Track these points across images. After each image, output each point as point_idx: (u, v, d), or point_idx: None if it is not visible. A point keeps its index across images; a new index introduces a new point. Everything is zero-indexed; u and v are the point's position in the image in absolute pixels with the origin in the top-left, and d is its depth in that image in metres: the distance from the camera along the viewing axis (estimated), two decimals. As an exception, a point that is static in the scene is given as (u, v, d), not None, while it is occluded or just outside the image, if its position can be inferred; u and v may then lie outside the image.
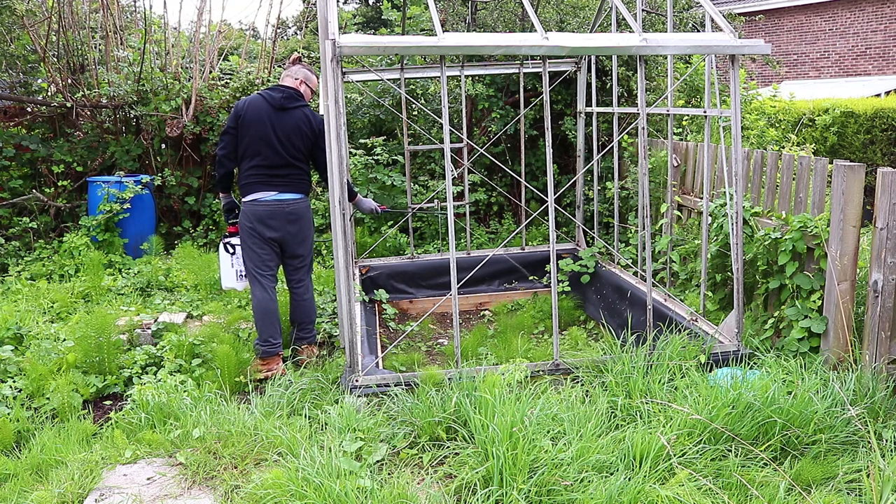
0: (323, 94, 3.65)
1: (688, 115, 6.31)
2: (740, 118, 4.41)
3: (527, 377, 3.56)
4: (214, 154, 4.65)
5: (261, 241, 4.23)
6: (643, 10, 5.37)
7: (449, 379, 3.53)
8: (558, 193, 5.89)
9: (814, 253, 3.80)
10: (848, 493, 2.81)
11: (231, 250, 4.54)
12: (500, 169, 6.94)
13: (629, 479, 2.76)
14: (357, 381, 3.62)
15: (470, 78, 6.74)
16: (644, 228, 4.33)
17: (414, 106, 6.92)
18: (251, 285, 4.31)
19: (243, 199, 4.26)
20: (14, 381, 3.88)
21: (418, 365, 4.58)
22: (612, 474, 2.80)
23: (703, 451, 2.95)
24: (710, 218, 4.44)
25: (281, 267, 4.44)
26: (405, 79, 6.05)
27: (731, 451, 2.99)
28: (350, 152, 6.47)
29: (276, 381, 3.73)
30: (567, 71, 6.32)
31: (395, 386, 3.56)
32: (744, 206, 4.24)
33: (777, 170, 4.27)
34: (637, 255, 5.49)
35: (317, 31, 4.14)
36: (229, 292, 5.31)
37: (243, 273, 4.53)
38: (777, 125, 7.13)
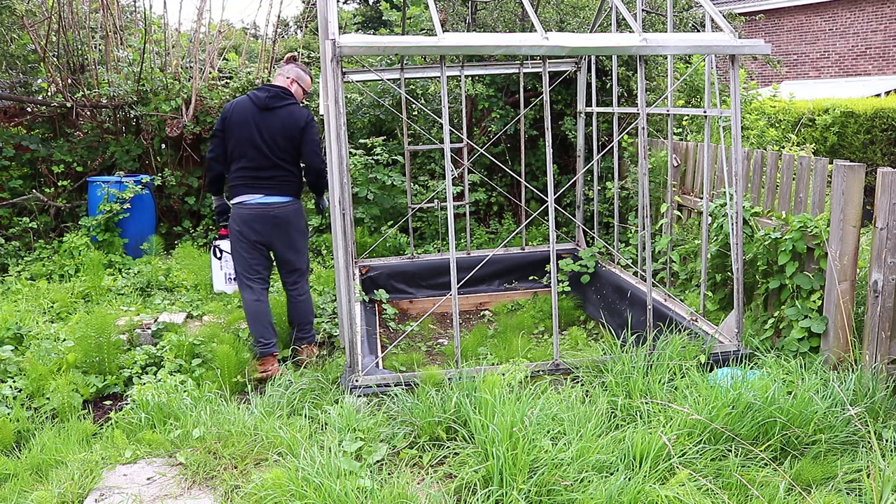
0: (323, 94, 3.65)
1: (688, 115, 6.31)
2: (740, 118, 4.41)
3: (527, 377, 3.56)
4: None
5: (248, 245, 4.20)
6: (643, 10, 5.37)
7: (449, 379, 3.53)
8: (558, 193, 5.89)
9: (814, 253, 3.80)
10: (848, 493, 2.81)
11: (218, 254, 4.50)
12: (500, 169, 6.94)
13: (629, 479, 2.76)
14: (357, 381, 3.62)
15: (470, 78, 6.73)
16: (644, 228, 4.33)
17: (414, 106, 6.92)
18: (240, 289, 4.28)
19: (231, 202, 4.24)
20: (14, 381, 3.88)
21: (418, 365, 4.58)
22: (612, 474, 2.80)
23: (703, 451, 2.95)
24: (710, 218, 4.44)
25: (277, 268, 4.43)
26: (405, 79, 6.05)
27: (731, 451, 2.99)
28: (350, 152, 6.47)
29: (276, 381, 3.73)
30: (567, 71, 6.32)
31: (395, 386, 3.56)
32: (744, 206, 4.24)
33: (777, 170, 4.27)
34: (637, 255, 5.49)
35: (317, 30, 4.13)
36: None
37: (232, 276, 4.50)
38: (777, 125, 7.13)
